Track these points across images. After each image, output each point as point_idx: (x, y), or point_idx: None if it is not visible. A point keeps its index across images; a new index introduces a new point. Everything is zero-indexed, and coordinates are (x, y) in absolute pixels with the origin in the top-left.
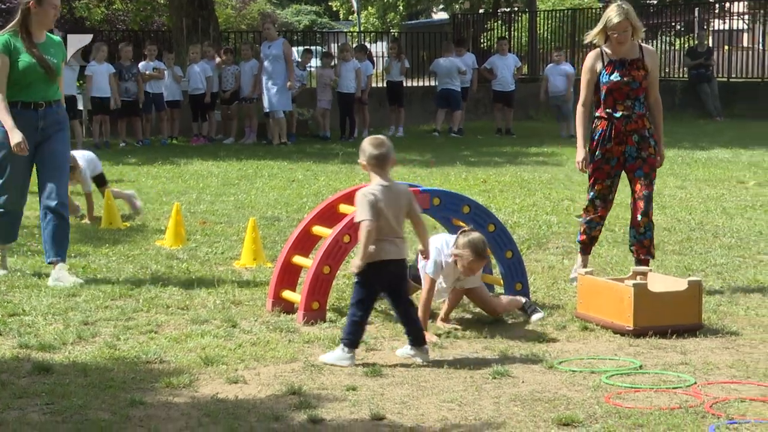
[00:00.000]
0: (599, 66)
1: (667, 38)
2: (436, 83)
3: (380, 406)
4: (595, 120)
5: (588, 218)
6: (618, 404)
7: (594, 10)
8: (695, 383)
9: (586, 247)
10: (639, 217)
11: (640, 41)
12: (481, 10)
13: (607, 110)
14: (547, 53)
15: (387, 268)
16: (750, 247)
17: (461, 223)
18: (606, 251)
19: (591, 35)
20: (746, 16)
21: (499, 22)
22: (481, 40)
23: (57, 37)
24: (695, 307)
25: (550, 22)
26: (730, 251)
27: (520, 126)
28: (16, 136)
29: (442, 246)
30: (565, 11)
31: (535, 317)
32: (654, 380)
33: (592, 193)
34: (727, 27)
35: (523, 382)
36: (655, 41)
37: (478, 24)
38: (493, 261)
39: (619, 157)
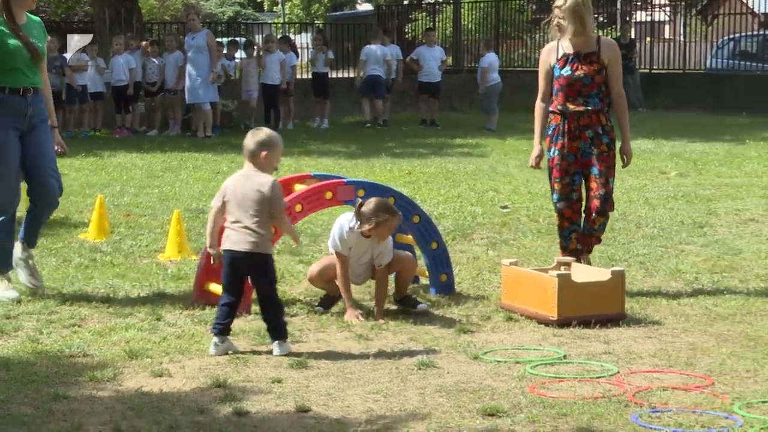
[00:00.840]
0: (552, 59)
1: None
2: (362, 72)
3: (305, 398)
4: (550, 114)
5: (558, 230)
6: (542, 394)
7: (518, 2)
8: (618, 372)
9: (576, 257)
10: (594, 215)
11: (599, 34)
12: (405, 1)
13: (559, 106)
14: (471, 44)
15: (227, 256)
16: (672, 237)
17: None
18: (530, 242)
19: (552, 31)
20: (668, 8)
21: (424, 13)
22: (406, 31)
23: (37, 18)
24: (618, 297)
25: (474, 13)
26: (653, 241)
27: (444, 117)
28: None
29: (344, 222)
30: (490, 2)
31: (420, 307)
32: (578, 370)
33: (554, 196)
34: (649, 19)
35: (448, 372)
36: None
37: (403, 15)
38: (419, 252)
39: (575, 153)
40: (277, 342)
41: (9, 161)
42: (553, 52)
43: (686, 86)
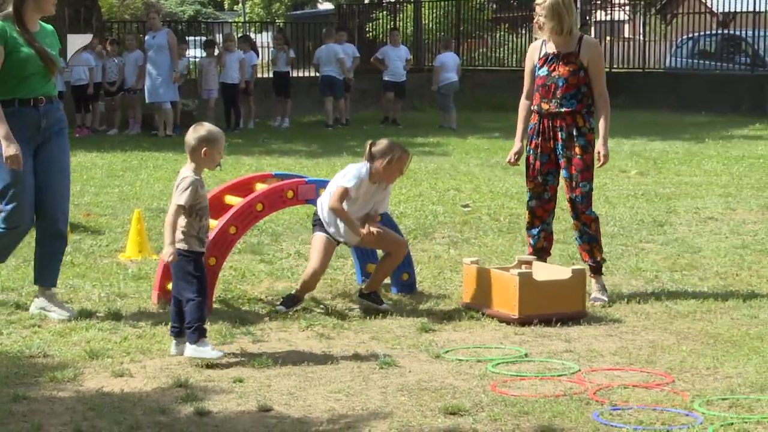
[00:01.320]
0: (536, 57)
1: None
2: (318, 72)
3: (267, 398)
4: (532, 113)
5: (527, 228)
6: (504, 392)
7: (479, 1)
8: (579, 370)
9: (541, 259)
10: (573, 221)
11: (581, 33)
12: (366, 0)
13: (534, 106)
14: (432, 43)
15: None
16: (632, 236)
17: None
18: (491, 240)
19: (535, 30)
20: (627, 8)
21: (385, 12)
22: (367, 30)
23: (49, 26)
24: (579, 296)
25: (435, 12)
26: (613, 240)
27: (404, 117)
28: (11, 147)
29: (360, 166)
30: (450, 1)
31: (383, 307)
32: (539, 368)
33: (528, 194)
34: (609, 18)
35: (409, 371)
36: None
37: (364, 14)
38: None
39: (550, 154)
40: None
41: (24, 181)
42: (537, 50)
43: (646, 85)
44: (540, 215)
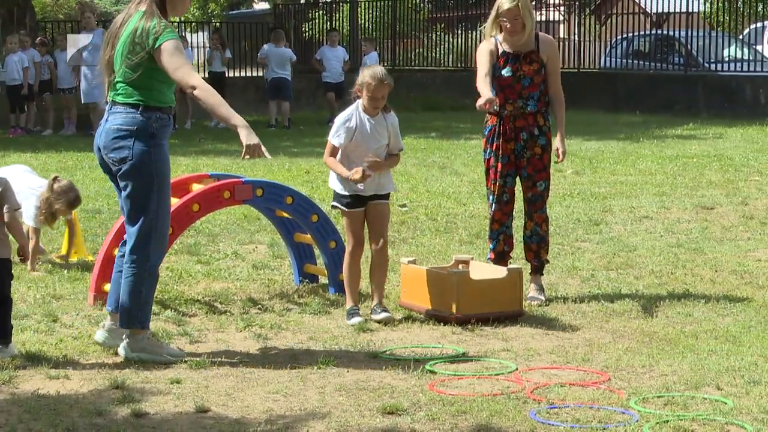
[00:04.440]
0: (494, 57)
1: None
2: (265, 73)
3: (205, 399)
4: (487, 115)
5: (489, 231)
6: (442, 392)
7: (415, 1)
8: (517, 369)
9: (502, 262)
10: (525, 220)
11: (537, 31)
12: (302, 0)
13: (496, 107)
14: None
15: None
16: (568, 235)
17: (284, 214)
18: (429, 240)
19: (487, 29)
20: (562, 8)
21: (321, 12)
22: (304, 31)
23: None
24: (516, 295)
25: (371, 12)
26: (550, 239)
27: None
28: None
29: (349, 109)
30: (386, 1)
31: (380, 317)
32: (477, 367)
33: (490, 197)
34: (543, 18)
35: (347, 371)
36: (475, 32)
37: (300, 14)
38: (317, 252)
39: (509, 155)
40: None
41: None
42: (496, 51)
43: (581, 85)
44: (498, 218)
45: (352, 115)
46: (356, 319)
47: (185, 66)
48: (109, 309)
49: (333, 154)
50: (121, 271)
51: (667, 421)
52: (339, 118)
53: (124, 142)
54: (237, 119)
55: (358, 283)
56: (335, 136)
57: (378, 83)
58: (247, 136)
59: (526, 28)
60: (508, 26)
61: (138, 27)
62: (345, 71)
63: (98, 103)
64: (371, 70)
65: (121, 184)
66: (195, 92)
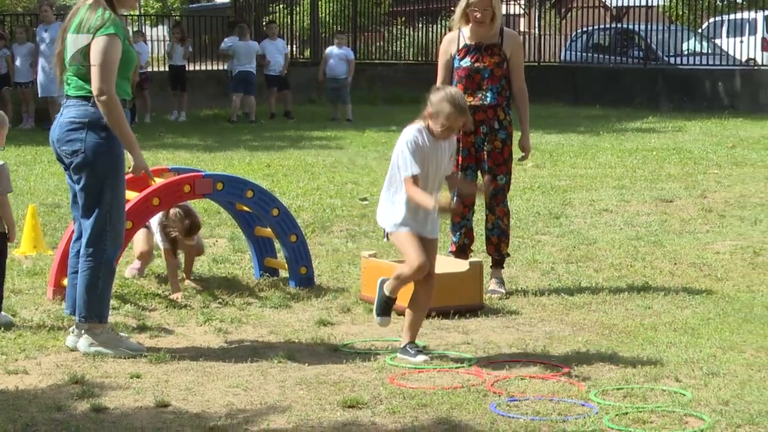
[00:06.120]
0: (453, 49)
1: (447, 22)
2: (230, 66)
3: (165, 393)
4: None
5: (450, 226)
6: (402, 385)
7: None
8: (477, 362)
9: (463, 255)
10: (486, 213)
11: (502, 26)
12: None
13: None
14: (329, 37)
15: None
16: (528, 228)
17: (245, 208)
18: None
19: (455, 21)
20: (522, 2)
21: (281, 5)
22: (264, 24)
23: None
24: (477, 288)
25: (331, 5)
26: (510, 232)
27: (301, 110)
28: (141, 159)
29: (412, 129)
30: None
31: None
32: (437, 360)
33: (452, 192)
34: (505, 12)
35: (308, 365)
36: (436, 26)
37: (260, 8)
38: (278, 245)
39: (469, 148)
40: None
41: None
42: (454, 42)
43: (541, 79)
44: (460, 212)
45: (417, 139)
46: (422, 357)
47: (106, 67)
48: (67, 312)
49: (416, 184)
50: (75, 273)
51: (627, 413)
52: (409, 146)
53: (77, 135)
54: (135, 148)
55: None
56: (412, 166)
57: (460, 113)
58: (139, 158)
59: (495, 20)
60: (478, 16)
61: (83, 18)
62: (287, 63)
63: (56, 97)
64: (450, 96)
65: (75, 177)
66: (99, 99)
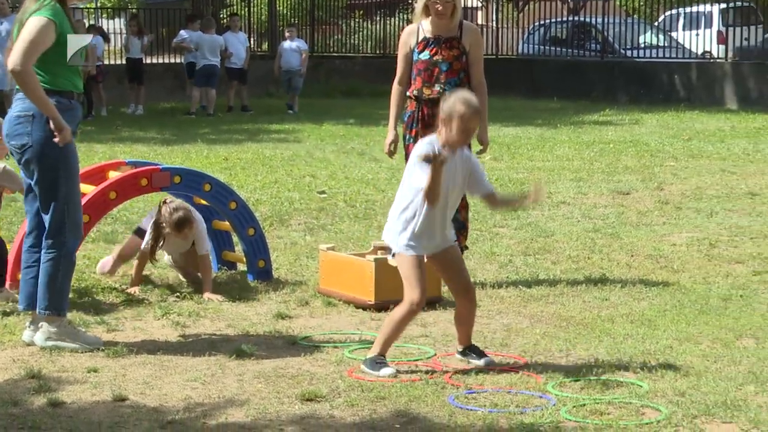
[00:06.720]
0: (413, 42)
1: (405, 15)
2: (187, 59)
3: (122, 387)
4: (408, 100)
5: None
6: (360, 378)
7: None
8: (435, 355)
9: None
10: None
11: (462, 19)
12: None
13: (415, 91)
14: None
15: None
16: (486, 221)
17: (202, 201)
18: (347, 227)
19: (416, 14)
20: None
21: None
22: (222, 17)
23: None
24: (435, 281)
25: None
26: (469, 224)
27: (259, 103)
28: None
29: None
30: None
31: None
32: (395, 353)
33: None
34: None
35: (266, 359)
36: (394, 19)
37: (218, 0)
38: (236, 239)
39: None
40: None
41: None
42: (414, 35)
43: (499, 71)
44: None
45: (428, 149)
46: (388, 370)
47: (28, 45)
48: (21, 307)
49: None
50: (29, 267)
51: (584, 405)
52: (420, 156)
53: (23, 128)
54: (56, 115)
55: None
56: (424, 176)
57: (473, 112)
58: (60, 122)
59: (456, 13)
60: (439, 9)
61: (26, 8)
62: (248, 56)
63: (7, 91)
64: (461, 97)
65: (27, 172)
66: (13, 71)
